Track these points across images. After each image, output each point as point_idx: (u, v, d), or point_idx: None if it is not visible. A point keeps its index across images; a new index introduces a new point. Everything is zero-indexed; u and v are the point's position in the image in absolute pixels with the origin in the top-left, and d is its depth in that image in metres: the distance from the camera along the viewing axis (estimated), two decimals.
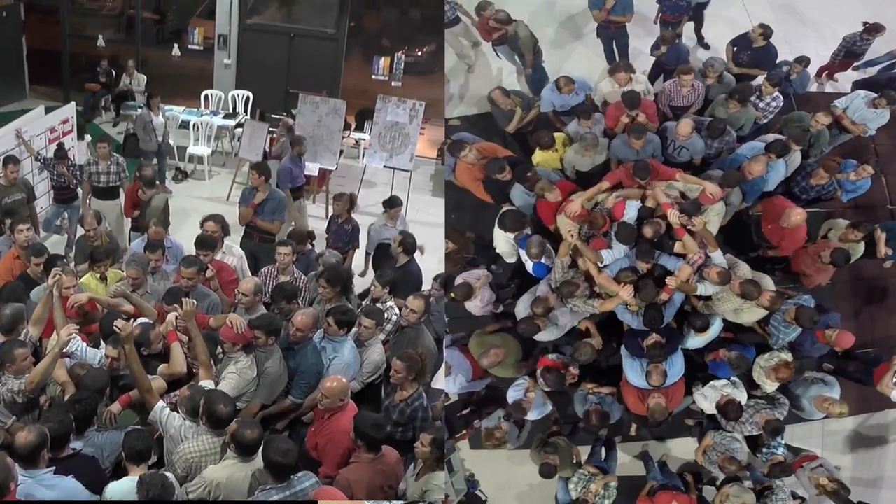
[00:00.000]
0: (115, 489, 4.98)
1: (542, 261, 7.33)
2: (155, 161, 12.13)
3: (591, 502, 7.27)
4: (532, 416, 7.49)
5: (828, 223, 8.15)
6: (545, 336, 7.32)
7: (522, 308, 7.35)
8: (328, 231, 9.60)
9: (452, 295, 7.66)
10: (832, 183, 8.00)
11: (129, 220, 10.25)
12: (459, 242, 8.24)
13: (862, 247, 7.81)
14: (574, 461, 7.68)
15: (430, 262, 8.90)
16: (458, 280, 7.63)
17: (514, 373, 7.54)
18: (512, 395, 7.48)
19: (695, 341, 7.27)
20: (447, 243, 8.21)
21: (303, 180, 11.23)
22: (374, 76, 15.23)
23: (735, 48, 9.19)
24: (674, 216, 7.03)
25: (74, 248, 9.18)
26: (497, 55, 9.81)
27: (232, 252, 8.28)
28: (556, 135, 8.10)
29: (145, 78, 14.61)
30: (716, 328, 7.24)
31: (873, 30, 9.45)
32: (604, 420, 7.41)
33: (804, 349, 7.46)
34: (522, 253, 7.47)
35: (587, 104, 8.43)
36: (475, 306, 7.70)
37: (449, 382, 7.51)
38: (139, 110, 12.32)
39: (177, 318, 6.21)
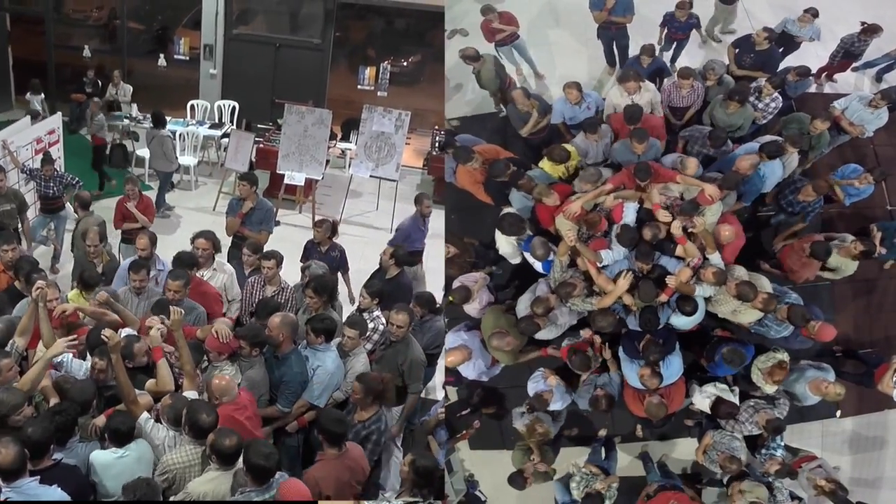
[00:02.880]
0: (99, 458, 5.21)
1: (550, 258, 7.37)
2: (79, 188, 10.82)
3: (605, 495, 7.26)
4: (555, 406, 7.50)
5: (833, 237, 8.10)
6: (544, 335, 7.37)
7: (523, 307, 7.38)
8: (306, 259, 8.93)
9: (451, 299, 7.70)
10: (819, 201, 7.98)
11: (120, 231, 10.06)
12: (460, 247, 8.23)
13: (854, 264, 7.82)
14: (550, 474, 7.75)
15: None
16: (456, 283, 7.66)
17: (510, 360, 7.52)
18: (532, 387, 7.49)
19: (680, 321, 7.29)
20: (448, 248, 8.19)
21: (422, 245, 9.79)
22: (359, 86, 15.30)
23: (737, 50, 9.20)
24: (662, 215, 7.10)
25: (74, 263, 9.00)
26: (499, 55, 9.79)
27: (223, 269, 8.15)
28: (570, 149, 8.06)
29: (131, 88, 14.61)
30: (700, 312, 7.25)
31: (871, 31, 9.45)
32: (611, 403, 7.38)
33: (789, 343, 7.49)
34: (528, 255, 7.52)
35: (596, 118, 8.42)
36: (474, 308, 7.71)
37: (468, 367, 7.46)
38: (162, 131, 12.22)
39: (158, 328, 6.21)
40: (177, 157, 12.29)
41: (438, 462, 5.71)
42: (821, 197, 7.97)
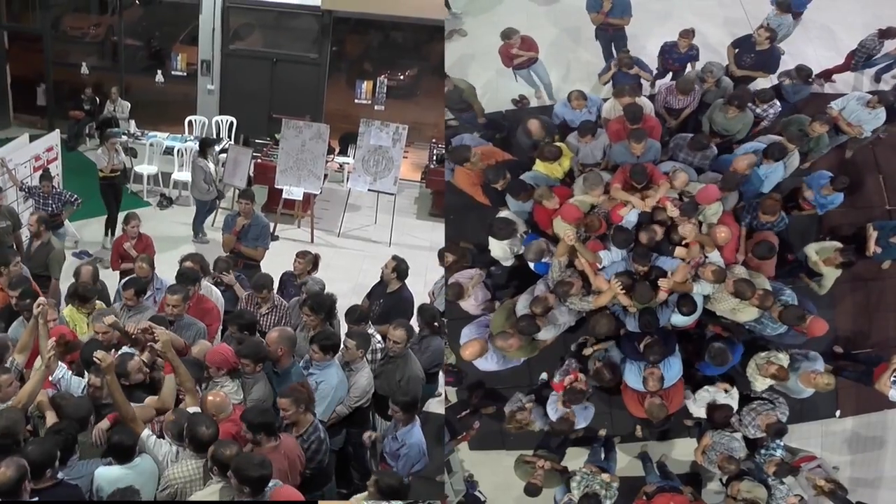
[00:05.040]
0: (105, 474, 5.19)
1: (545, 260, 7.38)
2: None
3: (601, 495, 7.24)
4: (581, 424, 7.51)
5: (815, 245, 8.02)
6: (544, 335, 7.33)
7: (522, 306, 7.34)
8: (282, 291, 8.67)
9: (445, 295, 7.71)
10: (782, 219, 7.89)
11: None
12: (458, 253, 8.21)
13: (836, 272, 7.80)
14: (559, 471, 7.70)
15: (416, 285, 8.90)
16: (451, 280, 7.66)
17: (526, 354, 7.44)
18: (552, 412, 7.50)
19: (679, 319, 7.30)
20: (447, 256, 8.18)
21: None
22: (356, 100, 15.39)
23: (737, 50, 9.13)
24: (670, 209, 7.12)
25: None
26: (516, 79, 9.88)
27: (210, 293, 8.03)
28: (560, 146, 8.03)
29: (129, 105, 14.66)
30: (698, 309, 7.27)
31: (891, 34, 9.40)
32: (614, 371, 7.36)
33: (783, 339, 7.49)
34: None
35: (592, 122, 8.33)
36: (471, 305, 7.71)
37: (486, 360, 7.40)
38: (200, 162, 11.99)
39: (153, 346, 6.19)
40: (214, 188, 12.04)
41: (403, 479, 5.70)
42: (781, 213, 7.87)
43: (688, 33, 9.23)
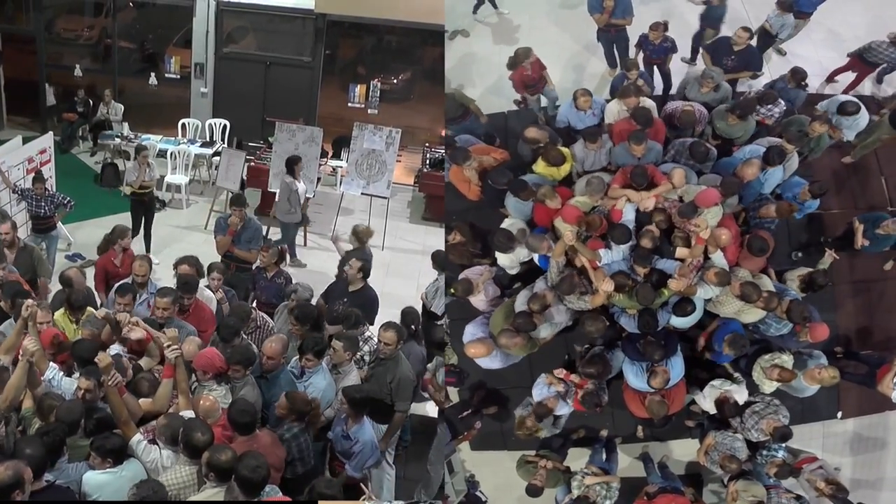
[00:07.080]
0: (93, 479, 5.17)
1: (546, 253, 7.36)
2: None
3: (592, 499, 7.26)
4: (561, 411, 7.51)
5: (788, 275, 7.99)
6: (540, 333, 7.31)
7: (520, 303, 7.33)
8: (253, 286, 8.83)
9: (453, 291, 7.69)
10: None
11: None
12: (467, 235, 8.11)
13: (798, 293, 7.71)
14: (562, 471, 7.71)
15: (409, 289, 8.92)
16: (461, 276, 7.64)
17: (529, 350, 7.38)
18: (537, 393, 7.50)
19: (679, 321, 7.31)
20: (454, 234, 8.09)
21: None
22: (350, 104, 15.46)
23: (712, 54, 9.06)
24: (649, 201, 7.14)
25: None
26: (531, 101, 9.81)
27: (203, 295, 7.94)
28: (565, 152, 7.95)
29: (122, 107, 14.70)
30: (698, 311, 7.29)
31: None
32: (605, 364, 7.35)
33: (786, 342, 7.49)
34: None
35: (596, 127, 8.31)
36: (481, 301, 7.67)
37: (491, 359, 7.38)
38: (287, 179, 11.52)
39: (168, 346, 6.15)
40: (297, 210, 11.63)
41: (339, 490, 5.60)
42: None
43: (658, 25, 9.25)
